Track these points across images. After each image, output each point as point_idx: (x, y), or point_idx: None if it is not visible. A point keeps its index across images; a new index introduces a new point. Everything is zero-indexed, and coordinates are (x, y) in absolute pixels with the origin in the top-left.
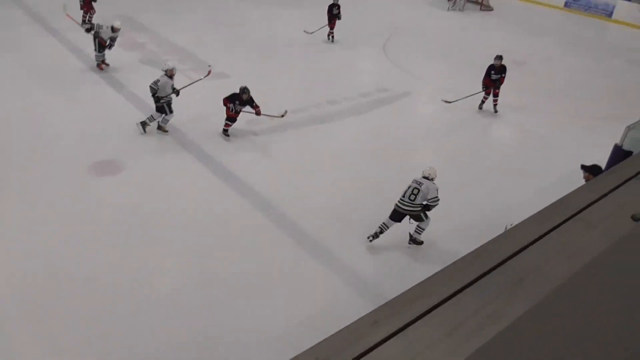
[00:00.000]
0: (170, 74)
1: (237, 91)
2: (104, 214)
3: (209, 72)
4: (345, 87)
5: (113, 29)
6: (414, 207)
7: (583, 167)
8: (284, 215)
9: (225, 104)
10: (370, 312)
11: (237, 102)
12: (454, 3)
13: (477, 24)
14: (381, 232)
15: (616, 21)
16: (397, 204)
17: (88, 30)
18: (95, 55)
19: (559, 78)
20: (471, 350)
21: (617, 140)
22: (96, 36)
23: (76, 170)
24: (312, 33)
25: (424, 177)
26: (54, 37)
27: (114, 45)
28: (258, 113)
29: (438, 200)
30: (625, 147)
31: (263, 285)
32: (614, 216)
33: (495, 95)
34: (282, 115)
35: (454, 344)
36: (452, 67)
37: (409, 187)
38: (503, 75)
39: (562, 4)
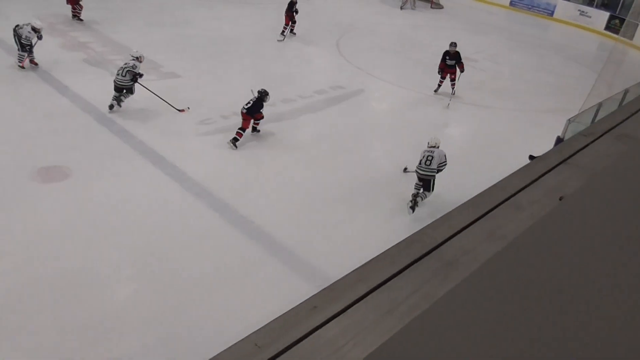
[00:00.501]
0: (141, 60)
1: (256, 97)
2: (52, 222)
3: (185, 110)
4: (300, 85)
5: (34, 29)
6: (430, 171)
7: (531, 157)
8: (242, 216)
9: (246, 118)
10: (309, 298)
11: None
12: (406, 2)
13: (428, 22)
14: (415, 200)
15: (557, 20)
16: (416, 171)
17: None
18: (18, 55)
19: (506, 74)
20: (402, 327)
21: (561, 133)
22: (15, 34)
23: (20, 176)
24: (282, 40)
25: (432, 147)
26: None
27: (40, 39)
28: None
29: (446, 163)
30: (567, 138)
31: (222, 286)
32: (543, 199)
33: (452, 80)
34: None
35: (391, 324)
36: (405, 64)
37: (423, 156)
38: (460, 61)
39: (507, 3)
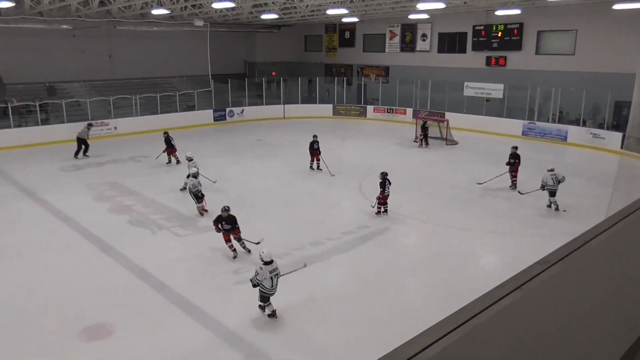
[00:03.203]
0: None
1: (384, 179)
2: None
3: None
4: (327, 227)
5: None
6: (557, 186)
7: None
8: None
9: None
10: None
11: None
12: (420, 142)
13: (444, 157)
14: (553, 204)
15: (571, 144)
16: (549, 189)
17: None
18: (196, 206)
19: (529, 202)
20: None
21: None
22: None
23: (66, 335)
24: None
25: (552, 170)
26: (45, 208)
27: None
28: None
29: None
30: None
31: None
32: (495, 317)
33: (514, 176)
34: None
35: None
36: (426, 199)
37: (551, 178)
38: (518, 160)
39: (519, 133)
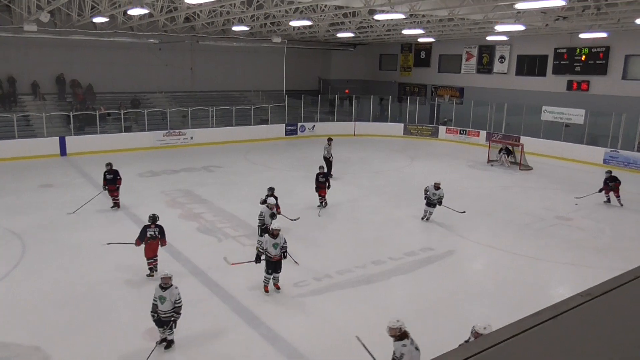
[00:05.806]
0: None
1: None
2: None
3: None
4: (390, 247)
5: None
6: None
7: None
8: None
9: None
10: None
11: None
12: (496, 160)
13: (518, 183)
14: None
15: None
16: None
17: None
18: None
19: (607, 232)
20: None
21: None
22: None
23: (134, 336)
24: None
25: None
26: (122, 211)
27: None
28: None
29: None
30: None
31: None
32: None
33: (617, 196)
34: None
35: None
36: (495, 225)
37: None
38: (617, 182)
39: (600, 161)
